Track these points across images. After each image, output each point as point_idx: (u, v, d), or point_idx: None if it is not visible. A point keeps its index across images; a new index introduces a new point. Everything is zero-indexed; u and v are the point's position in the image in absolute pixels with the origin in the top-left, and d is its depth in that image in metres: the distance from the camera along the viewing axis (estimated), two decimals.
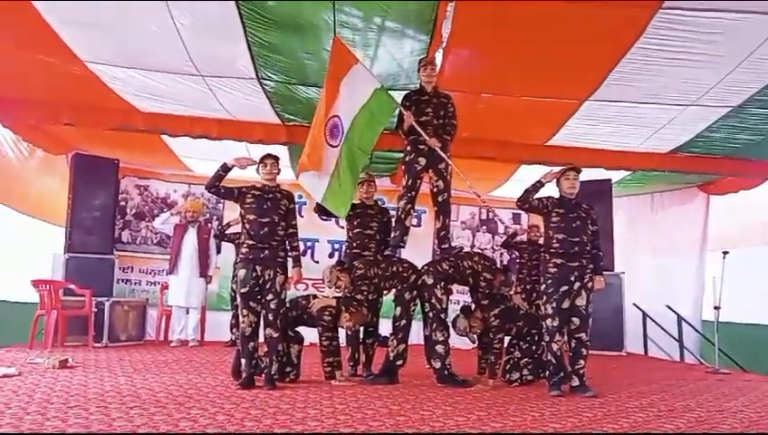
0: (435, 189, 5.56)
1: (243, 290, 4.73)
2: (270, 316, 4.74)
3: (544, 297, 4.90)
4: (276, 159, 4.96)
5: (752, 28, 4.79)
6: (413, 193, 5.53)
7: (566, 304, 4.83)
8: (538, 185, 5.04)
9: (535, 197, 5.04)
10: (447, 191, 5.56)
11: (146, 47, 5.48)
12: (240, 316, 4.79)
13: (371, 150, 5.70)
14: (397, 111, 5.50)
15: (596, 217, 5.09)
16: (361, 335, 5.50)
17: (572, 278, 4.83)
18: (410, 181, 5.52)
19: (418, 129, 5.35)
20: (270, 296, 4.74)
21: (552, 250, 4.92)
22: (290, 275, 4.93)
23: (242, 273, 4.75)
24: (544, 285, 4.91)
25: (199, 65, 5.71)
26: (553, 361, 4.82)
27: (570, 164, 5.32)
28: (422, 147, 5.44)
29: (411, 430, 3.31)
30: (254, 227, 4.77)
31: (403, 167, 5.67)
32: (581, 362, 4.85)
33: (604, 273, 5.08)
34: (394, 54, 5.57)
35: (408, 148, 5.56)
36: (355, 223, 5.63)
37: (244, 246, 4.80)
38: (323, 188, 5.31)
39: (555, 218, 4.96)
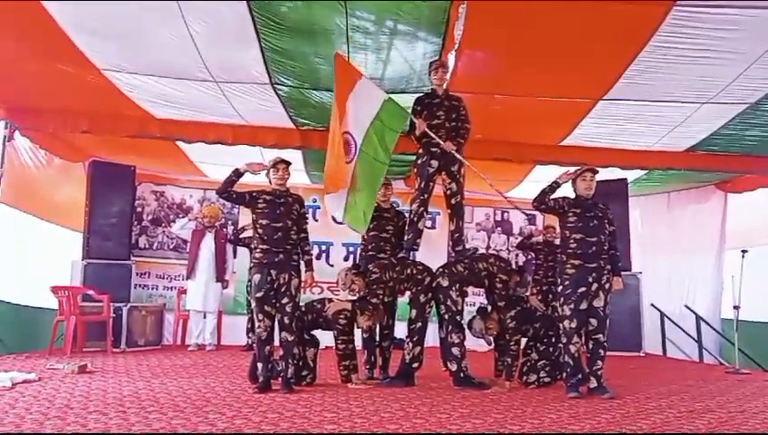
0: (448, 192, 5.55)
1: (258, 295, 4.76)
2: (286, 320, 4.76)
3: (562, 299, 4.86)
4: (288, 163, 4.99)
5: None
6: (426, 196, 5.53)
7: (584, 306, 4.79)
8: (554, 186, 5.01)
9: (551, 197, 5.02)
10: (461, 193, 5.55)
11: (160, 54, 5.52)
12: (255, 321, 4.82)
13: (389, 160, 5.68)
14: (409, 119, 5.50)
15: (613, 218, 5.05)
16: (377, 338, 5.51)
17: (590, 279, 4.80)
18: (423, 184, 5.52)
19: (432, 134, 5.35)
20: (285, 300, 4.76)
21: (569, 251, 4.89)
22: (302, 278, 4.95)
23: (256, 278, 4.77)
24: (561, 287, 4.88)
25: (213, 71, 5.75)
26: (571, 362, 4.79)
27: (585, 165, 5.28)
28: (434, 149, 5.44)
29: (428, 433, 3.31)
30: (268, 232, 4.79)
31: (415, 169, 5.67)
32: (599, 363, 4.81)
33: (621, 273, 5.04)
34: (407, 57, 5.56)
35: (421, 150, 5.56)
36: (371, 226, 5.62)
37: (258, 250, 4.82)
38: (342, 205, 5.31)
39: (572, 219, 4.92)
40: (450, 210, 5.61)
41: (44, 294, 6.97)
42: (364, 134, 5.34)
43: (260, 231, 4.83)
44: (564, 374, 4.88)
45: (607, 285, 4.85)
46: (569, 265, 4.86)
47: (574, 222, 4.91)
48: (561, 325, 4.87)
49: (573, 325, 4.77)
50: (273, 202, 4.86)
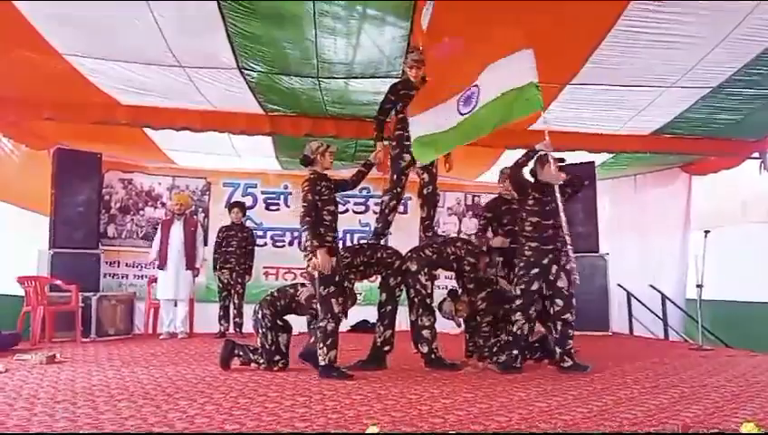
0: (421, 181, 5.50)
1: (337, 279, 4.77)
2: None
3: (516, 279, 5.02)
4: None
5: (729, 9, 4.84)
6: (399, 189, 5.46)
7: (536, 286, 4.94)
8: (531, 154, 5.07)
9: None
10: (433, 184, 5.50)
11: (124, 38, 5.43)
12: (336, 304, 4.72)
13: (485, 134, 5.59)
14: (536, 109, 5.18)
15: None
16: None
17: (546, 261, 4.94)
18: (395, 177, 5.44)
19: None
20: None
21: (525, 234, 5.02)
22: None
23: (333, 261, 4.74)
24: (517, 268, 5.03)
25: (179, 56, 5.67)
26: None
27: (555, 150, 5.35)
28: (407, 143, 5.31)
29: (399, 414, 3.35)
30: (336, 219, 4.87)
31: (389, 162, 5.57)
32: (570, 342, 4.95)
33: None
34: (375, 41, 5.55)
35: (395, 143, 5.47)
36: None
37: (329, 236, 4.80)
38: (421, 133, 5.24)
39: (531, 202, 5.04)
40: (422, 199, 5.58)
41: (8, 280, 6.87)
42: (492, 99, 5.13)
43: (329, 218, 4.82)
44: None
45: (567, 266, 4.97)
46: (527, 247, 4.99)
47: (532, 205, 5.02)
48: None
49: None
50: (331, 189, 4.90)
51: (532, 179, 5.19)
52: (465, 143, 5.38)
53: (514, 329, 4.97)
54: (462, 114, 5.20)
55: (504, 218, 5.88)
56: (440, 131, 5.20)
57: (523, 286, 4.97)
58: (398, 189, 5.49)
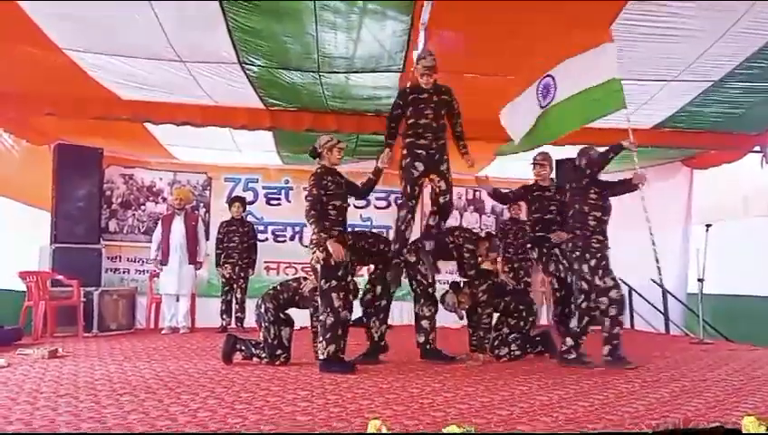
0: (437, 190, 5.32)
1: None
2: None
3: (601, 271, 5.00)
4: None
5: (730, 2, 4.81)
6: (413, 202, 5.25)
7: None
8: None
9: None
10: (449, 193, 5.36)
11: (125, 34, 5.42)
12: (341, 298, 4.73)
13: (571, 130, 5.60)
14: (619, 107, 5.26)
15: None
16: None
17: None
18: (408, 188, 5.23)
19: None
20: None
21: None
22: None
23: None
24: (595, 260, 5.01)
25: (180, 51, 5.66)
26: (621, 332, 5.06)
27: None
28: (420, 151, 5.17)
29: (401, 407, 3.36)
30: (342, 214, 4.91)
31: (400, 172, 5.38)
32: (584, 338, 5.14)
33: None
34: (376, 35, 5.53)
35: (405, 151, 5.28)
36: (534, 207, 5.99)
37: (335, 231, 4.81)
38: (518, 132, 5.59)
39: (593, 196, 5.15)
40: (436, 208, 5.42)
41: (10, 275, 6.89)
42: (573, 94, 5.15)
43: (334, 212, 4.85)
44: (611, 346, 4.99)
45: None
46: (594, 240, 5.04)
47: (595, 199, 5.09)
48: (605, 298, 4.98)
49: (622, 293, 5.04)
50: (339, 184, 4.95)
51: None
52: (551, 140, 5.43)
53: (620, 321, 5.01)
54: (542, 107, 5.22)
55: (534, 205, 5.93)
56: (528, 130, 5.36)
57: (612, 275, 5.02)
58: (413, 202, 5.26)
